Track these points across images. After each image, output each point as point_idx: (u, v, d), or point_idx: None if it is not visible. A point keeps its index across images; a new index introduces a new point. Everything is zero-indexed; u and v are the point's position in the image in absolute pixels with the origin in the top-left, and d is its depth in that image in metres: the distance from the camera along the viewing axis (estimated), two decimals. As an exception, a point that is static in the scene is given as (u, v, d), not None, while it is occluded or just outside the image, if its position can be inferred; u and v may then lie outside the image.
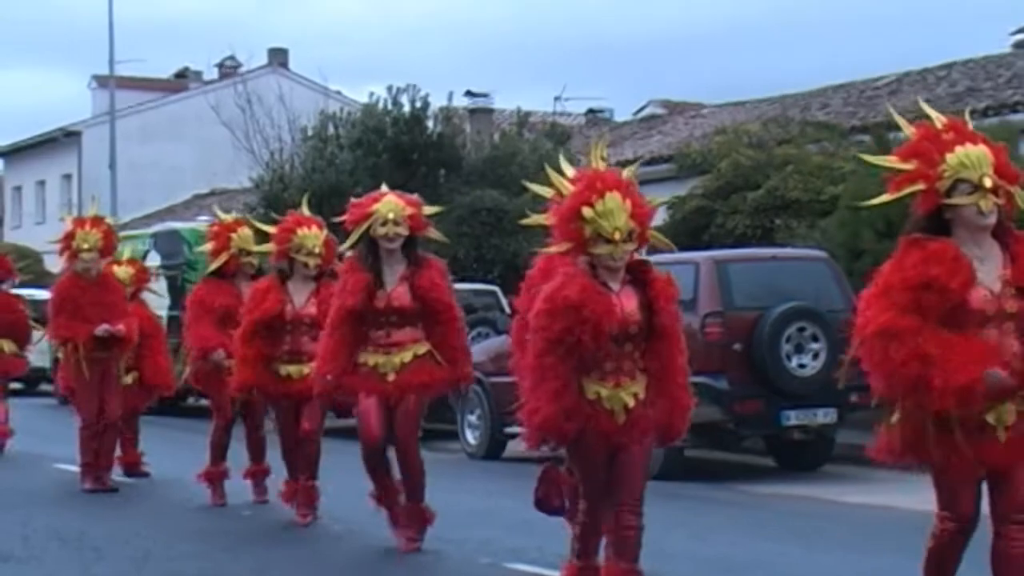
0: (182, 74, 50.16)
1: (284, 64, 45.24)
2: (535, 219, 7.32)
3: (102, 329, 11.69)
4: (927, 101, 24.90)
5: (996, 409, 5.67)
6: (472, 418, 15.51)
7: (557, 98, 37.36)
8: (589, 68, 62.89)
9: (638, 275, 6.71)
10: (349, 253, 9.20)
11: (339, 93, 37.17)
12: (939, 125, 5.84)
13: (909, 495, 12.03)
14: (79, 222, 12.15)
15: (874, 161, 6.15)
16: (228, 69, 44.16)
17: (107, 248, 12.12)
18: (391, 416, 8.87)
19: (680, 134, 27.63)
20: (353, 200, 9.27)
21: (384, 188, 9.24)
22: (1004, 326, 5.71)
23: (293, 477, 10.31)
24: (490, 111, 33.54)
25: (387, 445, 8.94)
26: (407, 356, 8.88)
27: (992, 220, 5.74)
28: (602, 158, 6.81)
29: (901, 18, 58.38)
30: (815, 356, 13.07)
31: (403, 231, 8.88)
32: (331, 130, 26.07)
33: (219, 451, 11.27)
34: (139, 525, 10.32)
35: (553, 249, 6.77)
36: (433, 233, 9.20)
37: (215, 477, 11.26)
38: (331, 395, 9.19)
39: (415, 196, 9.29)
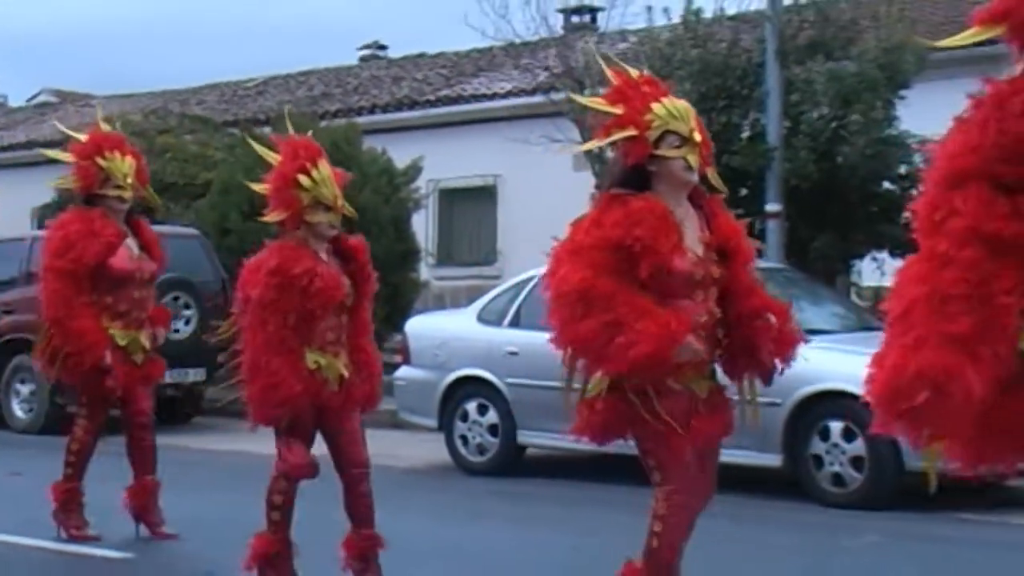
0: None
1: None
2: None
3: None
4: (287, 102, 25.26)
5: (696, 381, 4.75)
6: None
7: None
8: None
9: (335, 245, 6.12)
10: None
11: None
12: (635, 76, 4.84)
13: (260, 443, 12.53)
14: None
15: (585, 103, 5.07)
16: None
17: None
18: None
19: (72, 120, 26.89)
20: None
21: None
22: (710, 291, 4.78)
23: None
24: None
25: None
26: None
27: (695, 178, 4.80)
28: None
29: (268, 28, 59.36)
30: (187, 322, 13.29)
31: None
32: None
33: None
34: None
35: (271, 218, 6.04)
36: None
37: None
38: None
39: None
